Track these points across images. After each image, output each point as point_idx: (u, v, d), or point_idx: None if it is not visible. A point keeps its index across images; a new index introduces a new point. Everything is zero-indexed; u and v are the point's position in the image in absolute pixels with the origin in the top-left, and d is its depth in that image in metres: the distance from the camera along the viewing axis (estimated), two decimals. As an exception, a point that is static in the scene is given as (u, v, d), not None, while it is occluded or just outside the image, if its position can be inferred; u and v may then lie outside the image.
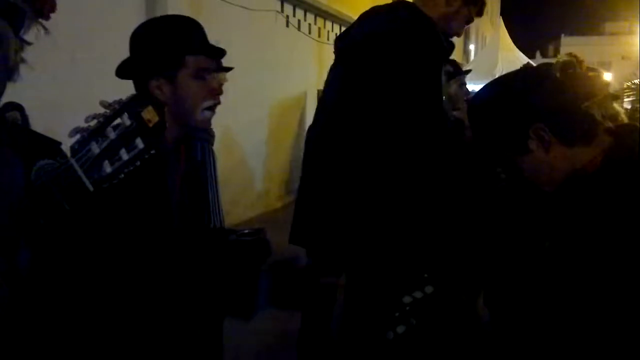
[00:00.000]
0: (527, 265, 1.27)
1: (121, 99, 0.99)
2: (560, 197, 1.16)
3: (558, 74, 1.16)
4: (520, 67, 1.29)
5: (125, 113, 0.96)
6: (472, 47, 22.71)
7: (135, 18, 5.12)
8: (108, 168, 0.96)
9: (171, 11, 5.16)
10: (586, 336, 1.07)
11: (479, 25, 23.47)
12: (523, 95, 1.15)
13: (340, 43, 1.74)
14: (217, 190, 2.39)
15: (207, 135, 2.37)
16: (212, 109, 1.39)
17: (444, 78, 1.79)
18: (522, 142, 1.15)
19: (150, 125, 0.97)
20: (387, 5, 1.74)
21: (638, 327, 1.01)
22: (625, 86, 10.39)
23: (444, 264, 1.58)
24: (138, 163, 0.98)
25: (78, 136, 0.97)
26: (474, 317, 1.57)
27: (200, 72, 1.36)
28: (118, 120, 0.96)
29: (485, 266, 1.57)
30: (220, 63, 2.34)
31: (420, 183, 1.58)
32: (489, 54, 13.28)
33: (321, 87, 9.12)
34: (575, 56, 1.23)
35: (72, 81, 4.40)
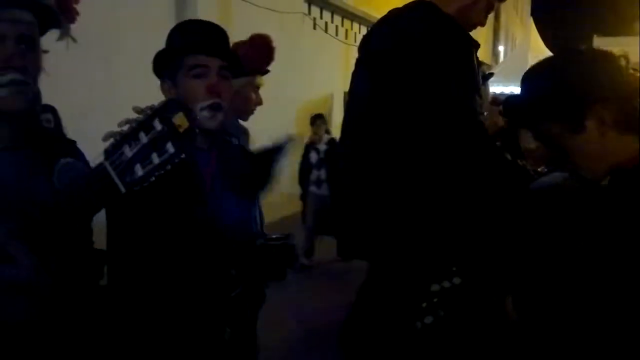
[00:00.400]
0: (563, 267, 1.24)
1: (153, 105, 1.03)
2: (603, 191, 1.14)
3: (623, 63, 1.15)
4: (589, 47, 1.26)
5: (157, 118, 1.00)
6: (501, 48, 22.43)
7: (165, 21, 5.19)
8: (140, 171, 1.00)
9: (201, 14, 5.22)
10: (625, 341, 1.04)
11: (508, 26, 23.18)
12: (592, 73, 1.14)
13: (364, 49, 1.73)
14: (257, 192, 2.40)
15: (239, 134, 2.37)
16: (211, 108, 1.36)
17: (480, 79, 1.76)
18: (580, 119, 1.12)
19: (181, 130, 1.01)
20: (406, 7, 1.72)
21: None
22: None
23: (473, 257, 1.56)
24: (169, 167, 1.01)
25: (112, 140, 1.00)
26: (502, 314, 1.55)
27: (197, 71, 1.36)
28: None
29: (516, 264, 1.54)
30: (264, 67, 2.34)
31: (454, 179, 1.57)
32: (519, 55, 13.10)
33: (347, 89, 9.05)
34: (625, 56, 1.22)
35: (103, 83, 4.49)
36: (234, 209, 1.48)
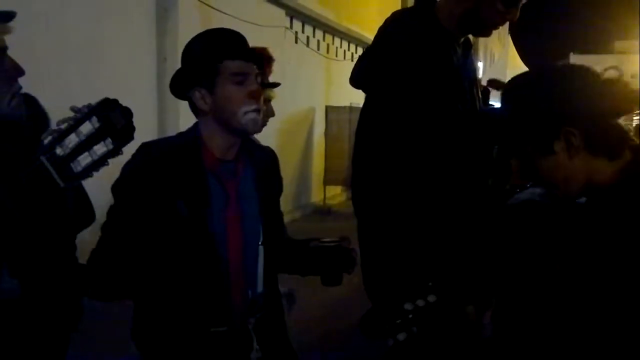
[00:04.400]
0: (537, 283, 1.25)
1: (90, 104, 1.09)
2: (575, 212, 1.15)
3: (605, 82, 1.12)
4: (563, 64, 1.24)
5: (94, 117, 1.07)
6: (480, 64, 22.74)
7: (146, 34, 5.18)
8: (78, 167, 1.07)
9: (182, 26, 5.21)
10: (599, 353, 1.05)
11: (487, 42, 23.55)
12: (563, 94, 1.12)
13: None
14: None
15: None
16: (255, 112, 1.39)
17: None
18: (549, 141, 1.12)
19: (118, 127, 1.09)
20: (393, 17, 1.72)
21: None
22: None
23: (449, 273, 1.57)
24: (107, 163, 1.08)
25: (49, 137, 1.06)
26: (478, 330, 1.55)
27: (238, 77, 1.37)
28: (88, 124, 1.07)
29: (494, 280, 1.55)
30: (266, 79, 2.38)
31: (430, 191, 1.57)
32: (497, 71, 13.30)
33: (329, 103, 9.14)
34: (617, 68, 1.20)
35: (82, 92, 4.44)
36: (268, 213, 1.49)
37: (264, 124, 2.54)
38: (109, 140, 1.08)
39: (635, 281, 1.01)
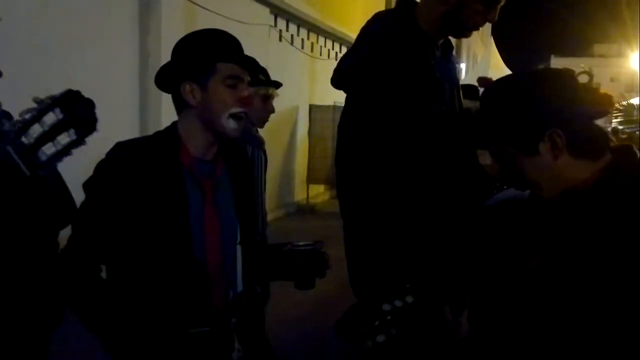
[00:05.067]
0: (514, 282, 1.27)
1: (54, 95, 1.12)
2: (555, 212, 1.16)
3: (582, 86, 1.15)
4: (545, 68, 1.26)
5: (57, 108, 1.10)
6: (463, 65, 22.94)
7: (128, 31, 5.13)
8: (43, 156, 1.10)
9: (165, 23, 5.18)
10: (574, 352, 1.07)
11: (470, 43, 23.76)
12: (547, 97, 1.14)
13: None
14: (262, 197, 2.42)
15: (256, 142, 2.44)
16: (239, 117, 1.41)
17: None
18: (534, 142, 1.13)
19: (81, 118, 1.13)
20: (373, 20, 1.73)
21: (629, 343, 1.01)
22: (614, 106, 10.52)
23: (426, 274, 1.58)
24: (71, 153, 1.12)
25: (14, 128, 1.09)
26: (455, 330, 1.56)
27: (230, 80, 1.40)
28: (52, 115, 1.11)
29: (471, 280, 1.56)
30: (268, 77, 2.41)
31: (410, 191, 1.58)
32: (480, 72, 13.43)
33: (313, 102, 9.14)
34: (588, 73, 1.22)
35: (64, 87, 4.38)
36: (245, 213, 1.50)
37: (265, 120, 2.65)
38: (72, 131, 1.11)
39: (611, 281, 1.03)
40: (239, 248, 1.46)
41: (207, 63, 1.39)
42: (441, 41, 1.72)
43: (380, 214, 1.58)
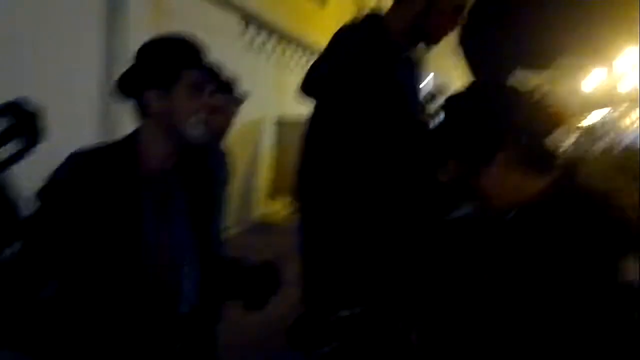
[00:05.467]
0: (466, 295, 1.28)
1: (1, 104, 1.12)
2: (506, 225, 1.18)
3: (537, 100, 1.18)
4: (501, 83, 1.29)
5: (4, 116, 1.13)
6: (431, 74, 23.30)
7: (93, 35, 5.03)
8: None
9: (131, 27, 5.10)
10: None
11: (435, 54, 24.14)
12: (502, 112, 1.17)
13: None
14: (221, 213, 2.38)
15: (219, 156, 2.38)
16: (204, 123, 1.39)
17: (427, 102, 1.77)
18: (488, 156, 1.16)
19: (29, 127, 1.14)
20: (343, 30, 1.74)
21: (580, 351, 1.03)
22: (571, 120, 10.82)
23: (377, 286, 1.58)
24: (21, 159, 1.14)
25: None
26: (407, 345, 1.57)
27: (195, 87, 1.37)
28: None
29: (423, 295, 1.57)
30: (232, 93, 2.36)
31: (368, 202, 1.59)
32: (444, 84, 13.63)
33: (281, 111, 9.13)
34: (544, 89, 1.26)
35: (26, 92, 4.26)
36: (200, 228, 1.46)
37: (224, 132, 2.56)
38: (20, 139, 1.13)
39: (560, 295, 1.04)
40: (191, 264, 1.43)
41: (172, 70, 1.36)
42: (408, 53, 1.74)
43: (337, 222, 1.58)
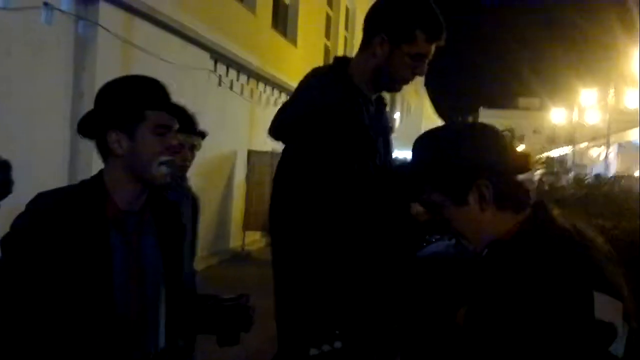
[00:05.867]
0: (443, 331, 1.29)
1: None
2: (479, 262, 1.20)
3: (507, 140, 1.22)
4: (475, 122, 1.33)
5: None
6: (397, 114, 23.76)
7: (62, 70, 5.00)
8: None
9: (100, 62, 5.08)
10: None
11: (404, 94, 24.72)
12: (477, 149, 1.19)
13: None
14: (192, 249, 2.34)
15: (184, 193, 2.34)
16: (169, 165, 1.37)
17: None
18: (463, 193, 1.18)
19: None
20: (311, 75, 1.78)
21: None
22: (536, 159, 11.18)
23: (357, 322, 1.58)
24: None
25: None
26: None
27: (159, 128, 1.36)
28: None
29: (402, 329, 1.57)
30: (195, 127, 2.35)
31: (343, 242, 1.59)
32: (413, 122, 13.94)
33: (252, 147, 9.10)
34: (510, 130, 1.29)
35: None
36: (171, 268, 1.44)
37: (186, 170, 2.53)
38: None
39: (534, 331, 1.06)
40: (162, 303, 1.40)
41: (135, 111, 1.35)
42: (375, 96, 1.78)
43: (315, 259, 1.58)
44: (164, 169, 1.37)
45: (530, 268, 1.09)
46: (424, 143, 1.29)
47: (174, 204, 1.57)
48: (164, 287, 1.42)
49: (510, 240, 1.16)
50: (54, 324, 1.28)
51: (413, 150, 1.29)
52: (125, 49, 5.52)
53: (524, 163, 1.23)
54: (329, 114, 1.60)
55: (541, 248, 1.11)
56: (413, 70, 1.69)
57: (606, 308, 1.05)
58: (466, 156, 1.19)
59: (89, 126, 1.39)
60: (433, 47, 1.69)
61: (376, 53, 1.66)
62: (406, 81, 1.74)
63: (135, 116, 1.35)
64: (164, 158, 1.36)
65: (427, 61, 1.72)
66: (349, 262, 1.57)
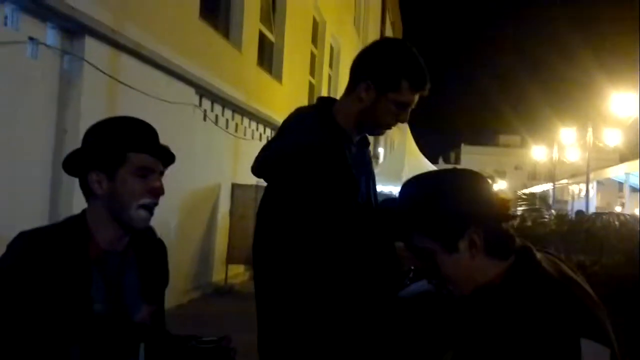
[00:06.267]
0: None
1: None
2: (465, 308, 1.20)
3: (492, 187, 1.24)
4: (464, 169, 1.33)
5: None
6: (381, 150, 23.97)
7: (46, 105, 4.99)
8: None
9: (85, 98, 5.09)
10: None
11: (388, 131, 25.02)
12: (468, 198, 1.21)
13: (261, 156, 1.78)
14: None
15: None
16: (148, 208, 1.37)
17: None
18: (454, 241, 1.19)
19: None
20: (295, 116, 1.80)
21: None
22: (518, 195, 11.30)
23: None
24: None
25: None
26: None
27: (142, 171, 1.36)
28: None
29: None
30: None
31: (327, 282, 1.59)
32: (396, 158, 14.06)
33: (236, 180, 9.08)
34: (492, 178, 1.31)
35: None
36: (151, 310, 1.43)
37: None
38: None
39: None
40: (142, 347, 1.38)
41: (117, 153, 1.35)
42: (358, 138, 1.80)
43: (297, 298, 1.57)
44: (142, 213, 1.36)
45: (517, 315, 1.10)
46: (412, 191, 1.29)
47: (160, 243, 1.56)
48: (146, 327, 1.39)
49: (498, 286, 1.17)
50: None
51: (400, 197, 1.30)
52: (111, 84, 5.54)
53: (506, 210, 1.24)
54: (312, 153, 1.61)
55: (528, 295, 1.12)
56: (397, 117, 1.73)
57: (593, 354, 1.05)
58: (458, 204, 1.20)
59: (72, 164, 1.39)
60: (417, 97, 1.74)
61: (362, 98, 1.70)
62: (389, 127, 1.78)
63: (116, 157, 1.35)
64: (144, 201, 1.36)
65: (410, 110, 1.76)
66: (333, 300, 1.56)
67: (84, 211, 1.39)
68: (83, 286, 1.30)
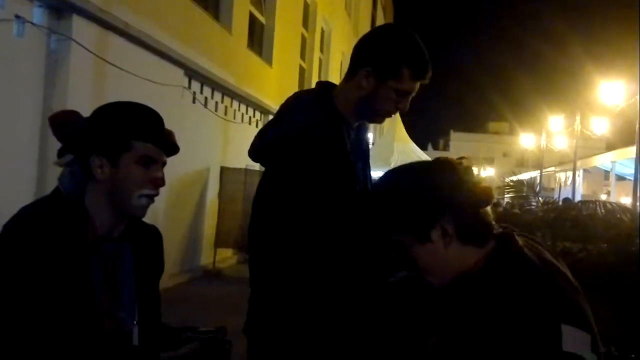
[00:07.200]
0: (412, 357, 1.29)
1: None
2: (447, 295, 1.21)
3: (467, 176, 1.22)
4: (435, 159, 1.33)
5: None
6: (370, 135, 24.01)
7: (33, 84, 4.92)
8: None
9: (72, 78, 5.02)
10: None
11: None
12: (437, 186, 1.20)
13: (259, 140, 1.76)
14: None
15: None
16: (149, 197, 1.36)
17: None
18: (426, 230, 1.19)
19: None
20: (296, 99, 1.78)
21: None
22: (506, 182, 11.38)
23: (329, 346, 1.57)
24: None
25: None
26: None
27: (145, 160, 1.35)
28: None
29: (374, 356, 1.57)
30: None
31: (320, 268, 1.59)
32: (385, 144, 14.07)
33: (225, 163, 9.06)
34: (468, 159, 1.30)
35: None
36: (145, 295, 1.42)
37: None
38: None
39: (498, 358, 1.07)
40: (135, 330, 1.38)
41: (122, 140, 1.34)
42: (356, 124, 1.79)
43: (293, 283, 1.58)
44: (143, 201, 1.36)
45: (498, 301, 1.10)
46: (385, 182, 1.30)
47: (156, 231, 1.55)
48: (137, 314, 1.39)
49: (478, 273, 1.17)
50: (36, 344, 1.24)
51: (375, 189, 1.31)
52: (98, 64, 5.46)
53: (486, 196, 1.23)
54: (311, 138, 1.60)
55: (509, 281, 1.13)
56: (397, 105, 1.71)
57: (574, 340, 1.06)
58: (425, 194, 1.20)
59: (75, 144, 1.36)
60: (417, 85, 1.72)
61: (362, 85, 1.68)
62: (389, 115, 1.76)
63: (121, 144, 1.33)
64: (145, 190, 1.35)
65: (410, 98, 1.74)
66: (328, 285, 1.57)
67: (82, 193, 1.36)
68: (83, 271, 1.29)
